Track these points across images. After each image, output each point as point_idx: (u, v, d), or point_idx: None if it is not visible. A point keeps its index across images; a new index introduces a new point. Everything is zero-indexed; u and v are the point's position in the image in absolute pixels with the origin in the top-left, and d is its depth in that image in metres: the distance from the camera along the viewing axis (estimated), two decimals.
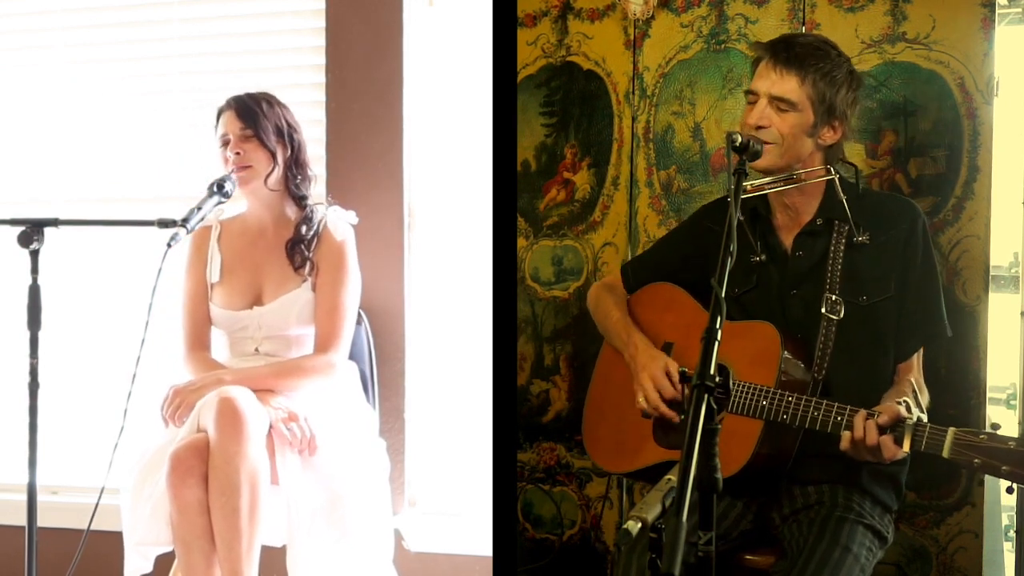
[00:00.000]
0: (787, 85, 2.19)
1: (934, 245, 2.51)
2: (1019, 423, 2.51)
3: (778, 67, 2.20)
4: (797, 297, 2.27)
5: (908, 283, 2.23)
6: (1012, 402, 2.51)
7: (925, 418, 2.02)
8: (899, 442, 1.99)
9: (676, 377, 2.30)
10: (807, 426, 2.10)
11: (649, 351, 2.37)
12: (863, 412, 2.03)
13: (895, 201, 2.33)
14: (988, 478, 2.51)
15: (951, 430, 1.94)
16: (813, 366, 2.20)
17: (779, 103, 2.20)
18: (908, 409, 2.00)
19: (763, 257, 2.30)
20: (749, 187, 2.19)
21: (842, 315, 2.20)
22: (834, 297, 2.21)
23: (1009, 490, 1.92)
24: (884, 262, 2.23)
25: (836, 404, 2.08)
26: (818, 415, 2.08)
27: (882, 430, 2.00)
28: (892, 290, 2.22)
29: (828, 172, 2.23)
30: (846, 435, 2.04)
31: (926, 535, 2.57)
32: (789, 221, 2.31)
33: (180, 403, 2.57)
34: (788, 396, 2.12)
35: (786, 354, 2.18)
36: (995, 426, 1.95)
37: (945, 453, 1.93)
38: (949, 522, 2.54)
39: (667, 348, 2.38)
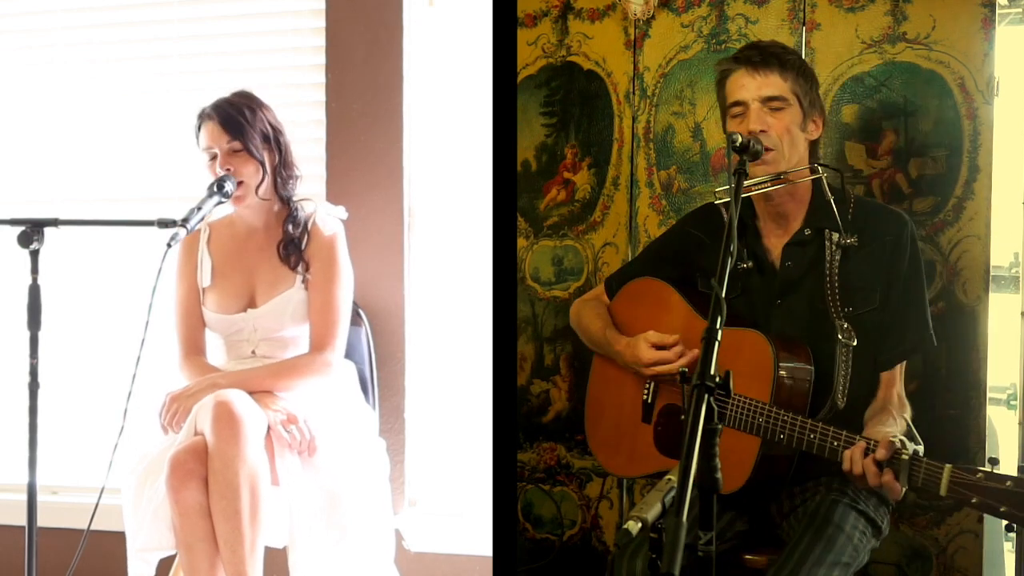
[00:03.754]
0: (772, 84, 2.20)
1: (934, 245, 2.52)
2: (1019, 423, 2.51)
3: (758, 70, 2.21)
4: (782, 307, 2.26)
5: (892, 292, 2.21)
6: (1012, 402, 2.51)
7: (921, 450, 1.97)
8: (896, 476, 1.94)
9: (660, 339, 2.29)
10: (803, 448, 2.07)
11: (629, 346, 2.35)
12: (860, 444, 1.98)
13: (883, 210, 2.31)
14: None
15: (947, 467, 1.89)
16: (836, 395, 2.16)
17: (770, 103, 2.20)
18: (903, 443, 1.95)
19: (750, 264, 2.28)
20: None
21: (855, 342, 2.16)
22: (846, 324, 2.17)
23: (1008, 528, 1.88)
24: (870, 273, 2.21)
25: (832, 429, 2.03)
26: (814, 438, 2.05)
27: (880, 466, 1.95)
28: (877, 302, 2.20)
29: (814, 171, 2.23)
30: (844, 459, 2.01)
31: (926, 535, 2.57)
32: (777, 229, 2.30)
33: (177, 409, 2.57)
34: (784, 415, 2.08)
35: (781, 364, 2.15)
36: (993, 460, 1.90)
37: (942, 491, 1.88)
38: (949, 522, 2.54)
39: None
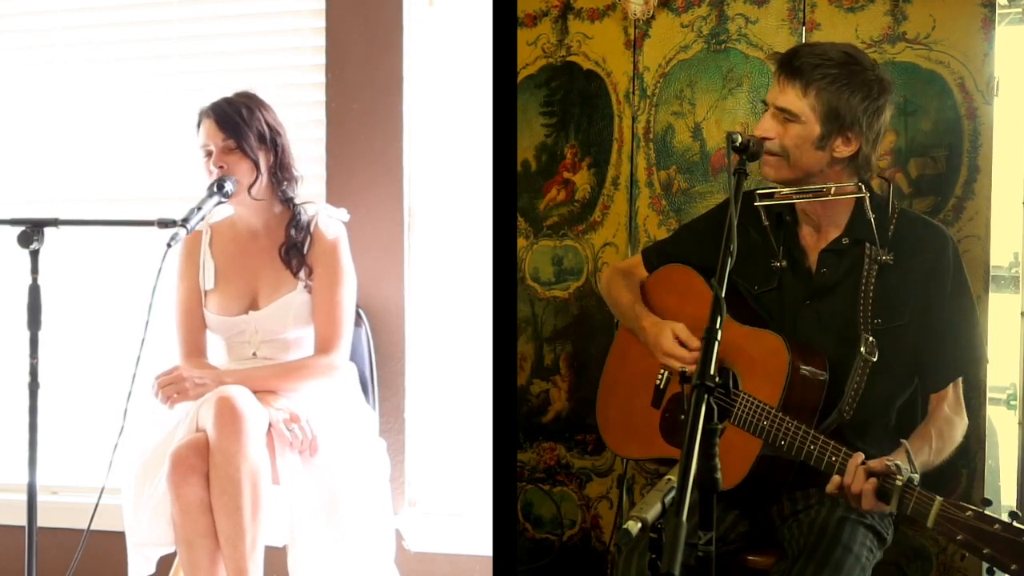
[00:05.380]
0: (788, 96, 2.16)
1: None
2: (1019, 423, 2.51)
3: (782, 79, 2.17)
4: (811, 308, 2.24)
5: (934, 310, 2.17)
6: (1012, 402, 2.51)
7: (917, 478, 1.95)
8: (886, 499, 1.94)
9: (687, 337, 2.26)
10: (801, 458, 2.07)
11: (656, 327, 2.34)
12: (858, 456, 1.98)
13: (927, 226, 2.26)
14: (988, 472, 2.51)
15: (937, 500, 1.87)
16: (844, 404, 2.15)
17: (782, 114, 2.17)
18: (899, 468, 1.93)
19: (784, 264, 2.26)
20: (778, 194, 2.17)
21: (876, 357, 2.12)
22: (871, 338, 2.13)
23: (989, 571, 1.86)
24: (905, 289, 2.17)
25: (832, 443, 2.04)
26: (813, 449, 2.05)
27: (869, 475, 1.95)
28: (907, 317, 2.17)
29: (859, 189, 2.16)
30: (835, 480, 2.01)
31: (926, 535, 2.57)
32: (814, 233, 2.27)
33: (182, 388, 2.57)
34: (788, 422, 2.08)
35: (802, 367, 2.14)
36: (986, 502, 1.88)
37: (929, 523, 1.87)
38: None
39: None
